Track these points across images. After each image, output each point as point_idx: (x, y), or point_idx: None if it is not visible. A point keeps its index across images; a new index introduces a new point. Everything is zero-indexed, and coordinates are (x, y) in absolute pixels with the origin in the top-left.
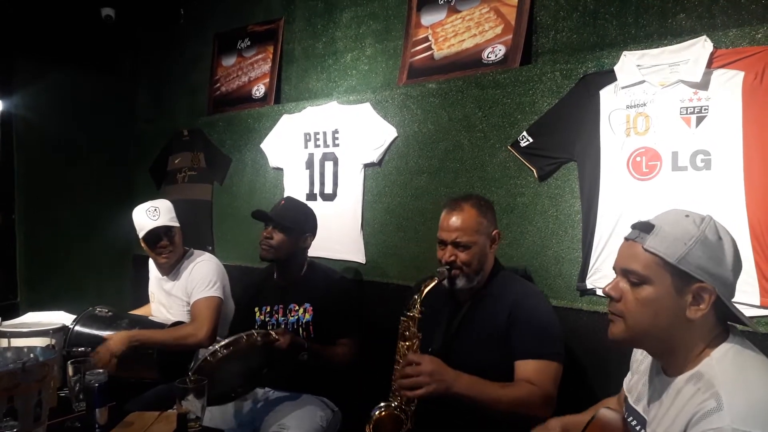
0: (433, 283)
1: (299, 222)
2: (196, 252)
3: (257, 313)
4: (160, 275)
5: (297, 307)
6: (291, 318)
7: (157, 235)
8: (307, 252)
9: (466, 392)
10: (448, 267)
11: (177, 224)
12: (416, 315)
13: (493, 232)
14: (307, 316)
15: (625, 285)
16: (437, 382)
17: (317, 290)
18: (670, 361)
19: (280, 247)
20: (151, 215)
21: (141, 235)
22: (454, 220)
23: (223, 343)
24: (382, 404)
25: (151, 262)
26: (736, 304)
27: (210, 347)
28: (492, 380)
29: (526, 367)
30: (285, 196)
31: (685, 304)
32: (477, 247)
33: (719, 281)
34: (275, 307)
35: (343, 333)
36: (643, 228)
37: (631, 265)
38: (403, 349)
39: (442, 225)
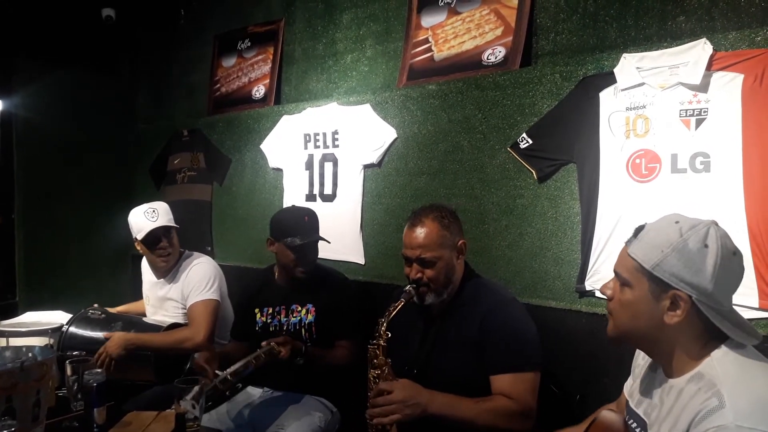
0: (400, 306)
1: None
2: (194, 254)
3: (258, 315)
4: (155, 279)
5: (299, 308)
6: (293, 319)
7: (156, 236)
8: None
9: (442, 412)
10: (414, 285)
11: (175, 225)
12: (382, 343)
13: (459, 243)
14: (310, 317)
15: (616, 285)
16: (411, 407)
17: (320, 290)
18: (667, 363)
19: (315, 261)
20: (149, 216)
21: (140, 237)
22: (416, 236)
23: (232, 370)
24: None
25: (144, 263)
26: (735, 307)
27: (220, 374)
28: (472, 392)
29: (503, 382)
30: (291, 206)
31: (663, 310)
32: (442, 261)
33: (697, 290)
34: (277, 308)
35: (343, 334)
36: (635, 232)
37: (619, 268)
38: (373, 378)
39: (405, 242)
